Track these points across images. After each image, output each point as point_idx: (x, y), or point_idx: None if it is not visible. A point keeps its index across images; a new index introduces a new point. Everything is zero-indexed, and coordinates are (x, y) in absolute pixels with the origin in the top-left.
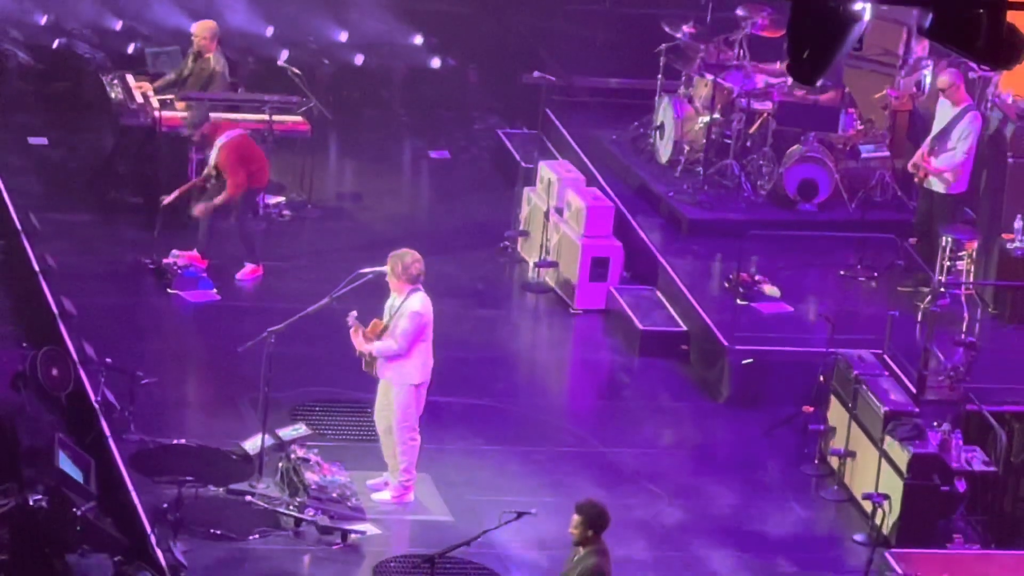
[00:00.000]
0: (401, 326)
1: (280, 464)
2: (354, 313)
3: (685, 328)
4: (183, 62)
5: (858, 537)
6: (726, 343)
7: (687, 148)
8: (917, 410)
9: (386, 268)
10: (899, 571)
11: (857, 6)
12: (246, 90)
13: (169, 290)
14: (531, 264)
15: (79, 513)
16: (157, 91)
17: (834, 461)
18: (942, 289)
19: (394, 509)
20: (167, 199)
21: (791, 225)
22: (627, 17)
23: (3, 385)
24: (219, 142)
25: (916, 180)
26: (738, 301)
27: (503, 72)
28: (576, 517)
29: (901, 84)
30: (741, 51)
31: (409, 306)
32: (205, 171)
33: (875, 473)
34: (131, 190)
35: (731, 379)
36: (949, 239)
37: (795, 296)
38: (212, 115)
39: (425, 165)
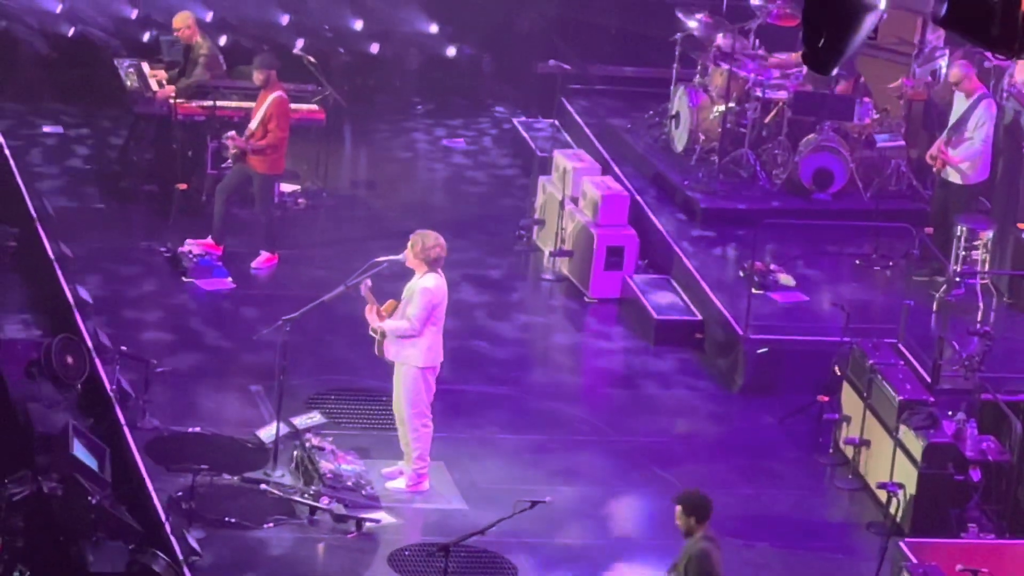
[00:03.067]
0: (412, 304)
1: (295, 452)
2: (368, 283)
3: (700, 317)
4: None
5: (872, 526)
6: (741, 332)
7: (702, 137)
8: (932, 399)
9: (401, 256)
10: (913, 560)
11: None
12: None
13: (184, 278)
14: (546, 253)
15: (93, 501)
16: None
17: (848, 450)
18: (957, 279)
19: (409, 497)
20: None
21: (806, 214)
22: (642, 6)
23: (18, 373)
24: (275, 95)
25: (934, 170)
26: (753, 290)
27: (518, 60)
28: (677, 508)
29: (916, 73)
30: (756, 40)
31: (421, 283)
32: (248, 130)
33: (890, 462)
34: (146, 178)
35: (746, 368)
36: (964, 228)
37: (810, 285)
38: (222, 102)
39: (440, 153)
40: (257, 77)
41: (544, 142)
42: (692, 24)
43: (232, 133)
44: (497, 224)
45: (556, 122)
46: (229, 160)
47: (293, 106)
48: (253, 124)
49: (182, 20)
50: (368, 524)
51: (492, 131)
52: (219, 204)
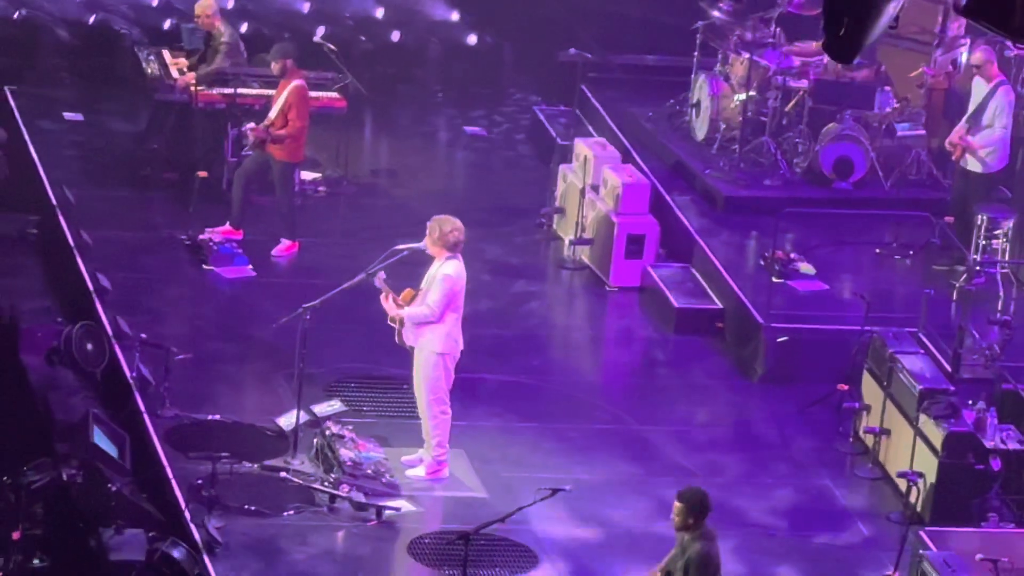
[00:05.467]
0: (433, 291)
1: (315, 440)
2: (383, 275)
3: (720, 306)
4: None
5: (892, 515)
6: (761, 321)
7: (723, 126)
8: (952, 388)
9: (421, 244)
10: (933, 549)
11: None
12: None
13: (204, 266)
14: (567, 241)
15: (113, 488)
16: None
17: (868, 439)
18: (977, 268)
19: (428, 485)
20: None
21: (826, 203)
22: None
23: (38, 360)
24: (294, 84)
25: (953, 159)
26: (773, 279)
27: (539, 49)
28: (677, 505)
29: (937, 62)
30: (777, 29)
31: (442, 270)
32: (267, 119)
33: (910, 451)
34: (166, 166)
35: (766, 357)
36: (984, 218)
37: (830, 274)
38: (242, 89)
39: (460, 142)
40: (274, 67)
41: (565, 130)
42: (713, 13)
43: (252, 124)
44: (517, 212)
45: (577, 110)
46: (248, 148)
47: (314, 94)
48: (272, 113)
49: (204, 7)
50: (388, 512)
51: (513, 119)
52: (237, 189)
